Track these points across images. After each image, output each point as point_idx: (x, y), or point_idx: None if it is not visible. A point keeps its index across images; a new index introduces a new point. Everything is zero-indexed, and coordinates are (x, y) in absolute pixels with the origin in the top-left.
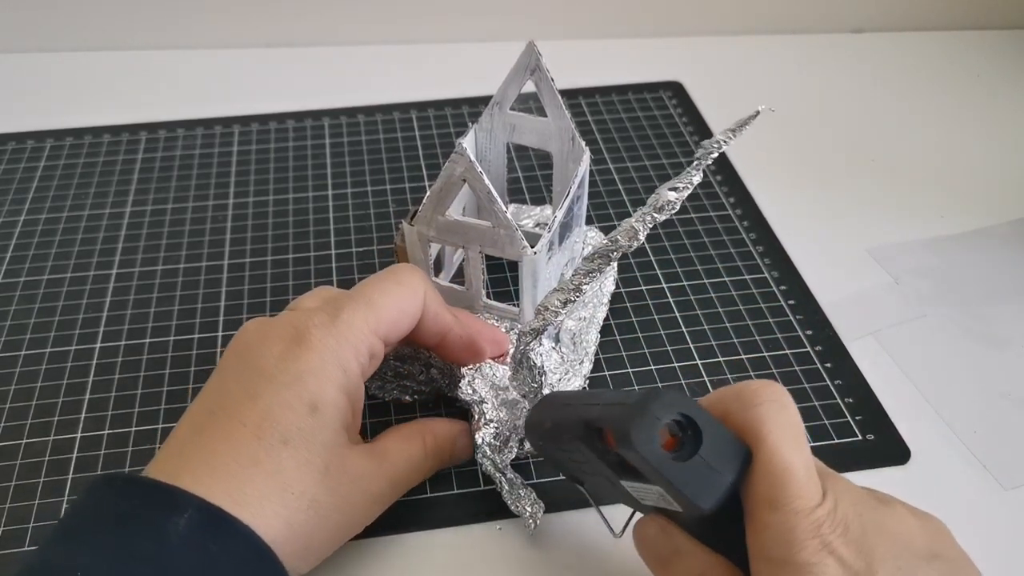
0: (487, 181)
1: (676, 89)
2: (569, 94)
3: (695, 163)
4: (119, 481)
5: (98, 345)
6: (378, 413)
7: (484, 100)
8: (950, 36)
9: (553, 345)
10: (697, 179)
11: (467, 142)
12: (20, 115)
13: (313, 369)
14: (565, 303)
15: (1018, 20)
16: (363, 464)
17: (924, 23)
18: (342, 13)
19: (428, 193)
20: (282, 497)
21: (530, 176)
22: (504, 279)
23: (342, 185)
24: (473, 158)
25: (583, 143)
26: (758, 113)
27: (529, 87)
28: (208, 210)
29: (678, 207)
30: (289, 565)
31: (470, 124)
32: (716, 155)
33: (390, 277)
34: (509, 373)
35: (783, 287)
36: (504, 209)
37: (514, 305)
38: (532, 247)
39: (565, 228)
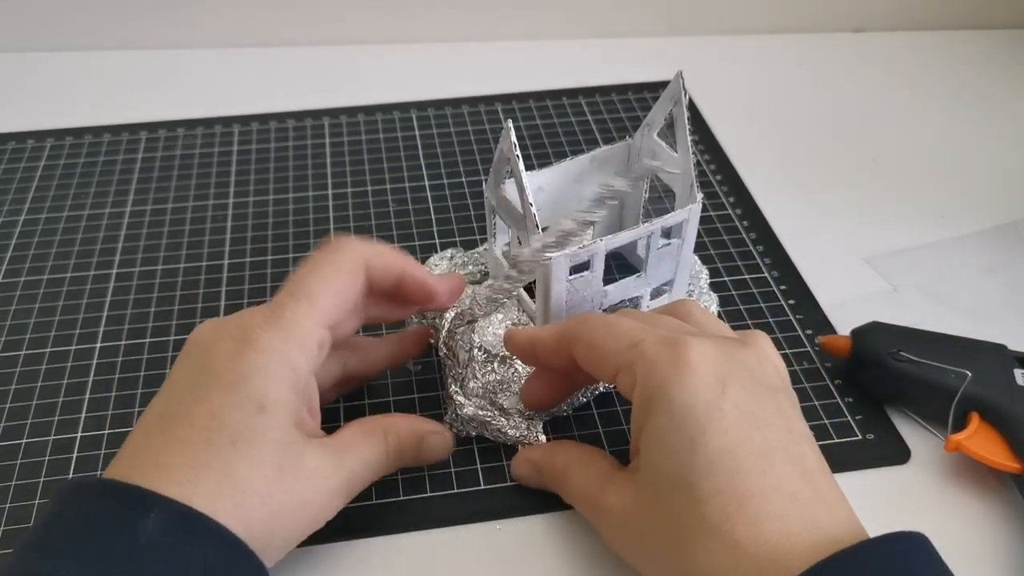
0: (521, 167)
1: None
2: (569, 93)
3: (597, 201)
4: (89, 487)
5: (98, 345)
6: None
7: (484, 99)
8: (950, 36)
9: None
10: (600, 216)
11: (618, 148)
12: (20, 115)
13: (259, 368)
14: (487, 301)
15: (1018, 20)
16: (320, 460)
17: (924, 23)
18: (342, 13)
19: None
20: (235, 497)
21: None
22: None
23: (342, 185)
24: (513, 138)
25: (700, 194)
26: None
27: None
28: (208, 210)
29: (585, 241)
30: None
31: (626, 139)
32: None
33: (327, 263)
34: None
35: (783, 287)
36: (531, 203)
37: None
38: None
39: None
